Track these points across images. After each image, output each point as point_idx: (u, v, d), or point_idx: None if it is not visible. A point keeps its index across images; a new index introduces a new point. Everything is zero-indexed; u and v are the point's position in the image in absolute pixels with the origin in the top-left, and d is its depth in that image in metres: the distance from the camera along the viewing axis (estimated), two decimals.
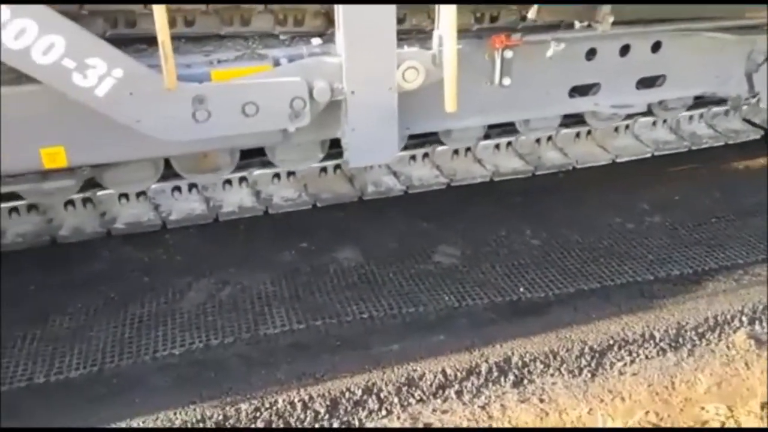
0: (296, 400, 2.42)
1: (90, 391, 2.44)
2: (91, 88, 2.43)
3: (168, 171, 3.22)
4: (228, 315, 2.81)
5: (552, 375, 2.61)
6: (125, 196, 3.29)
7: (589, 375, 2.63)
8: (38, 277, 3.01)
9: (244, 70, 2.72)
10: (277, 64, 2.77)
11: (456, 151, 3.73)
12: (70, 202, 3.23)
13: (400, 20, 2.91)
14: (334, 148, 3.44)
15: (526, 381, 2.58)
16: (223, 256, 3.17)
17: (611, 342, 2.70)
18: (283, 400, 2.42)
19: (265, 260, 3.14)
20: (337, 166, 3.58)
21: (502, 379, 2.56)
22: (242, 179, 3.44)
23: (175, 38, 2.55)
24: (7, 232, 3.14)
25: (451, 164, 3.73)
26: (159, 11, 2.33)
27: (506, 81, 3.06)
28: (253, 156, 3.38)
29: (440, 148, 3.66)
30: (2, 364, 2.54)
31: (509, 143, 3.80)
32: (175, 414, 2.35)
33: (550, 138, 3.89)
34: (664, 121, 4.06)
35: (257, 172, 3.43)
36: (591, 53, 3.26)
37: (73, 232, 3.20)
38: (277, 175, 3.49)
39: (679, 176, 3.94)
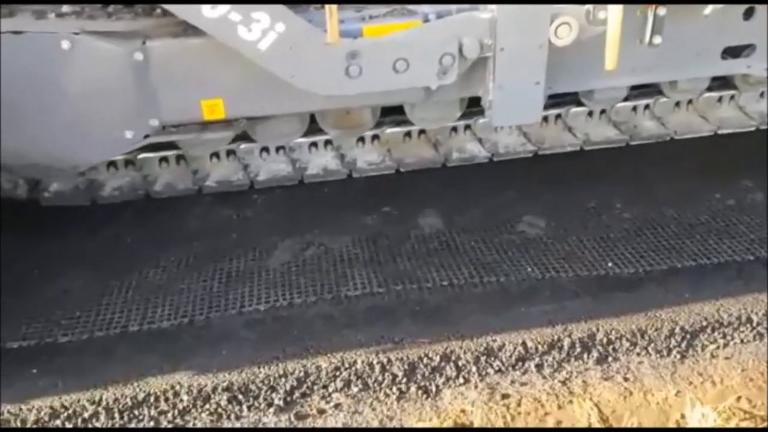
0: (375, 362, 2.46)
1: (180, 341, 2.56)
2: (254, 42, 2.50)
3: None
4: (311, 275, 2.86)
5: (638, 354, 2.52)
6: (216, 155, 3.38)
7: (679, 356, 2.52)
8: (134, 230, 3.16)
9: (396, 26, 2.71)
10: (426, 20, 2.74)
11: (546, 118, 3.61)
12: (164, 159, 3.36)
13: None
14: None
15: (610, 358, 2.51)
16: (308, 217, 3.22)
17: (704, 323, 2.58)
18: (362, 361, 2.46)
19: (347, 223, 3.17)
20: (421, 131, 3.54)
21: (585, 355, 2.50)
22: (327, 142, 3.47)
23: None
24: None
25: (539, 132, 3.62)
26: None
27: (657, 39, 2.87)
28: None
29: None
30: (99, 312, 2.69)
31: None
32: (258, 368, 2.43)
33: (647, 106, 3.70)
34: None
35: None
36: (749, 13, 3.03)
37: (165, 188, 3.33)
38: (361, 139, 3.49)
39: None
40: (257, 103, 2.88)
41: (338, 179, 3.40)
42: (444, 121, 3.39)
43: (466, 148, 3.54)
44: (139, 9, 2.73)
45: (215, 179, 3.36)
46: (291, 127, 3.24)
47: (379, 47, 2.66)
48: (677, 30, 2.94)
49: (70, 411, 2.31)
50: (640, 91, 3.53)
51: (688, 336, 2.56)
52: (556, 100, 3.48)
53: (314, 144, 3.45)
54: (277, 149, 3.43)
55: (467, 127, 3.55)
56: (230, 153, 3.40)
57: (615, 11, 2.60)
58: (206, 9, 2.41)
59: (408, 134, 3.52)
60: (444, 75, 2.73)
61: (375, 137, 3.50)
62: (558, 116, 3.60)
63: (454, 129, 3.55)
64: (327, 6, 2.43)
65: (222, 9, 2.41)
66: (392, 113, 3.39)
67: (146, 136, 2.87)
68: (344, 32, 2.58)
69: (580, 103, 3.55)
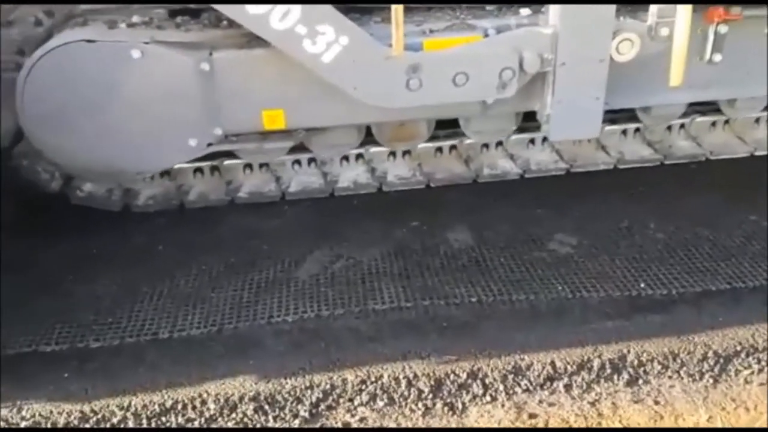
0: (401, 376, 2.44)
1: (209, 350, 2.58)
2: (318, 55, 2.57)
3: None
4: (339, 287, 2.86)
5: (670, 377, 2.47)
6: (249, 166, 3.42)
7: (711, 381, 2.47)
8: (166, 237, 3.20)
9: (456, 40, 2.76)
10: (485, 34, 2.79)
11: None
12: (199, 170, 3.41)
13: None
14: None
15: (641, 381, 2.46)
16: (337, 230, 3.23)
17: (738, 348, 2.52)
18: (389, 375, 2.44)
19: (377, 236, 3.17)
20: (452, 147, 3.55)
21: (616, 376, 2.46)
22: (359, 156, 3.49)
23: (386, 7, 2.65)
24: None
25: (572, 149, 3.59)
26: None
27: (717, 57, 2.91)
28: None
29: None
30: (131, 318, 2.73)
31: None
32: (285, 379, 2.43)
33: (682, 126, 3.65)
34: None
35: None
36: None
37: (199, 198, 3.38)
38: (392, 154, 3.51)
39: None
40: (316, 115, 2.95)
41: (368, 192, 3.43)
42: (499, 135, 3.42)
43: (498, 164, 3.54)
44: (206, 20, 2.83)
45: (247, 190, 3.41)
46: (347, 138, 3.29)
47: (440, 61, 2.70)
48: (738, 48, 2.94)
49: (99, 416, 2.34)
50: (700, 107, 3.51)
51: (721, 360, 2.50)
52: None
53: (345, 158, 3.48)
54: (309, 162, 3.47)
55: (499, 143, 3.55)
56: (263, 165, 3.44)
57: (682, 27, 2.62)
58: (274, 21, 2.47)
59: (439, 149, 3.53)
60: (503, 89, 2.76)
61: (406, 152, 3.51)
62: (545, 138, 3.55)
63: (486, 145, 3.55)
64: (393, 19, 2.48)
65: (289, 21, 2.48)
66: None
67: (209, 145, 2.97)
68: (405, 46, 2.62)
69: (614, 121, 3.53)
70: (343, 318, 2.71)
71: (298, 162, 3.45)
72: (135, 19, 2.83)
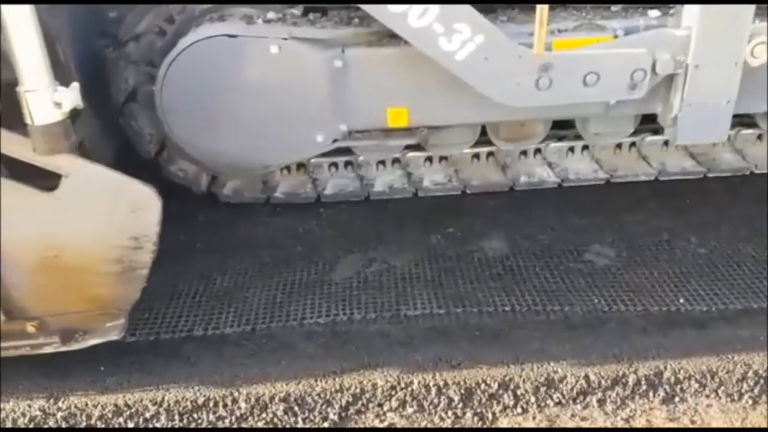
0: (431, 384, 2.43)
1: (242, 348, 2.60)
2: (452, 52, 2.60)
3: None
4: (372, 291, 2.86)
5: (708, 396, 2.41)
6: (288, 167, 3.44)
7: (751, 402, 2.41)
8: (203, 235, 3.25)
9: (587, 40, 2.78)
10: (615, 35, 2.81)
11: (619, 146, 3.53)
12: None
13: None
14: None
15: (677, 399, 2.41)
16: (372, 234, 3.23)
17: None
18: (419, 382, 2.44)
19: (411, 242, 3.16)
20: (489, 153, 3.52)
21: (651, 393, 2.41)
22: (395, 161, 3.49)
23: (509, 7, 2.71)
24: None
25: (612, 159, 3.54)
26: None
27: None
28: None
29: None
30: (167, 314, 2.77)
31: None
32: (315, 381, 2.45)
33: (728, 138, 3.56)
34: None
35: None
36: None
37: (234, 193, 3.42)
38: (429, 159, 3.50)
39: None
40: (439, 113, 3.02)
41: (404, 197, 3.42)
42: (617, 137, 3.41)
43: (535, 172, 3.50)
44: (336, 18, 2.92)
45: (283, 190, 3.44)
46: (464, 137, 3.32)
47: (572, 60, 2.72)
48: None
49: (133, 410, 2.39)
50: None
51: (761, 381, 2.43)
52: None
53: (382, 162, 3.48)
54: (346, 165, 3.48)
55: (537, 150, 3.51)
56: (300, 166, 3.46)
57: None
58: (412, 19, 2.51)
59: (476, 156, 3.51)
60: (633, 90, 2.77)
61: (443, 157, 3.50)
62: (632, 144, 3.52)
63: (524, 152, 3.51)
64: (537, 18, 2.50)
65: (427, 19, 2.51)
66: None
67: (334, 141, 3.06)
68: (534, 45, 2.64)
69: (656, 131, 3.46)
70: (375, 322, 2.71)
71: (334, 164, 3.46)
72: (270, 15, 2.90)
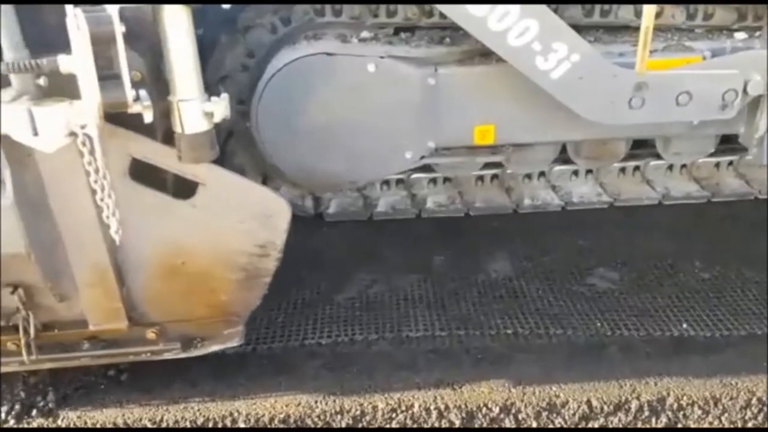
0: (432, 407, 2.41)
1: (243, 369, 2.59)
2: (548, 71, 2.61)
3: None
4: (374, 312, 2.85)
5: (711, 423, 2.39)
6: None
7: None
8: None
9: (677, 61, 2.83)
10: (703, 57, 2.86)
11: (623, 170, 3.53)
12: None
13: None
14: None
15: (680, 425, 2.38)
16: (375, 254, 3.23)
17: None
18: (419, 405, 2.42)
19: (414, 263, 3.16)
20: (494, 176, 3.53)
21: (654, 419, 2.39)
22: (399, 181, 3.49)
23: (593, 28, 2.72)
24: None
25: (616, 183, 3.54)
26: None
27: None
28: None
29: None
30: None
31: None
32: (315, 402, 2.43)
33: (731, 163, 3.57)
34: None
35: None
36: None
37: None
38: (433, 181, 3.50)
39: None
40: (525, 131, 3.04)
41: (407, 218, 3.42)
42: (697, 156, 3.43)
43: (539, 195, 3.50)
44: (428, 37, 2.97)
45: None
46: (545, 154, 3.35)
47: (666, 80, 2.74)
48: None
49: (132, 429, 2.37)
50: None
51: (765, 408, 2.41)
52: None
53: (386, 182, 3.49)
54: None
55: (541, 174, 3.52)
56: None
57: None
58: (512, 38, 2.53)
59: (480, 178, 3.52)
60: (723, 110, 2.79)
61: (447, 179, 3.50)
62: (636, 168, 3.52)
63: (528, 176, 3.52)
64: (641, 40, 2.53)
65: (526, 38, 2.53)
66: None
67: (422, 158, 3.09)
68: (626, 65, 2.68)
69: (660, 156, 3.46)
70: (377, 344, 2.70)
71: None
72: (364, 34, 2.95)
